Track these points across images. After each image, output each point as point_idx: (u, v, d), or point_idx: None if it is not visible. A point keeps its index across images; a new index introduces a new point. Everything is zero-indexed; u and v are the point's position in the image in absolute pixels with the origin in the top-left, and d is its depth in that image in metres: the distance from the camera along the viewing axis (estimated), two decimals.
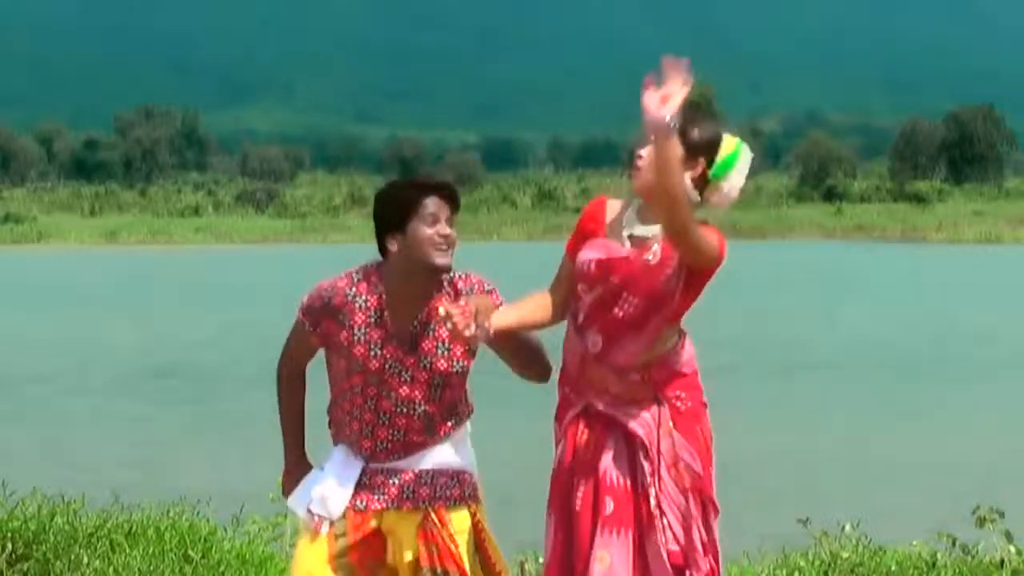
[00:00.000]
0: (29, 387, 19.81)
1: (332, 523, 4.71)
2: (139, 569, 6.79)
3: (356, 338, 4.67)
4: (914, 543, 7.45)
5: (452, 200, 4.66)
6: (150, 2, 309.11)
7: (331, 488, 4.72)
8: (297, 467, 4.90)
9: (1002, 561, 7.21)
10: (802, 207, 75.97)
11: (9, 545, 6.91)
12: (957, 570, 7.13)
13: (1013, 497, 9.26)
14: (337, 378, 4.77)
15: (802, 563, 7.19)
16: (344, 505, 4.70)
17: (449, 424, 4.77)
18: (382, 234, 4.66)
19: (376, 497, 4.72)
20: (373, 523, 4.73)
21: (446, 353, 4.68)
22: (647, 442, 4.61)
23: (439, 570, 4.67)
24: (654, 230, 4.62)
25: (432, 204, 4.62)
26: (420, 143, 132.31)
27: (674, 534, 4.60)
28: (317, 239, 64.72)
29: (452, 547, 4.68)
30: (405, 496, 4.71)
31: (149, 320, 28.56)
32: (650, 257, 4.61)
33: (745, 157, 4.77)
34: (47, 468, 12.57)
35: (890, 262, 46.87)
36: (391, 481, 4.73)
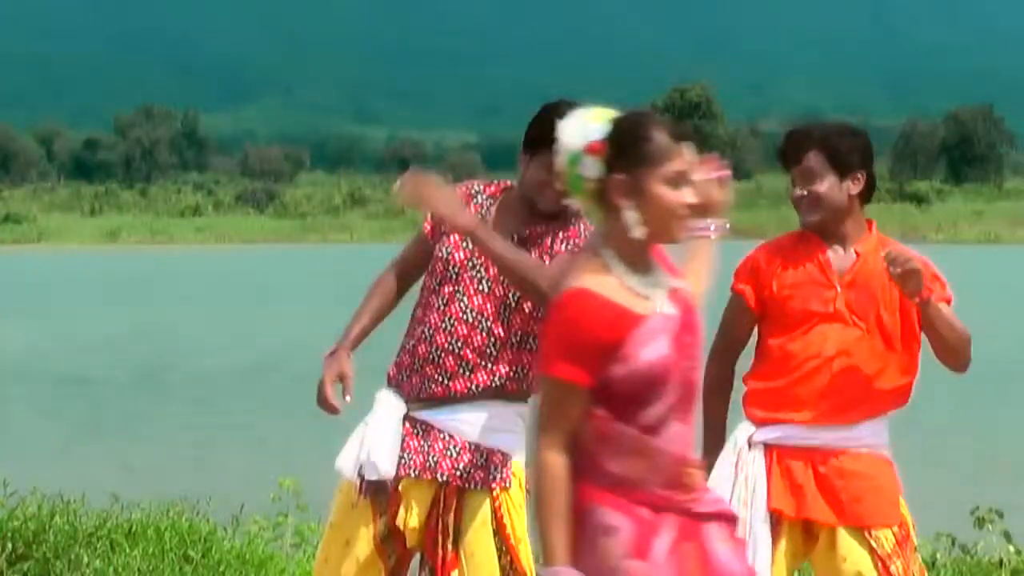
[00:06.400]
0: (27, 387, 19.83)
1: (375, 493, 4.53)
2: (139, 569, 6.79)
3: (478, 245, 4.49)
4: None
5: None
6: (150, 2, 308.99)
7: (378, 446, 4.48)
8: (340, 349, 4.57)
9: (1001, 561, 7.21)
10: None
11: (9, 545, 6.91)
12: (957, 570, 7.14)
13: (1012, 497, 9.26)
14: (425, 294, 4.59)
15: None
16: (394, 462, 4.49)
17: (507, 374, 4.51)
18: (526, 144, 4.47)
19: (403, 463, 4.54)
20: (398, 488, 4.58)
21: None
22: None
23: (438, 552, 4.52)
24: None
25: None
26: (420, 143, 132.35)
27: None
28: (317, 239, 64.77)
29: (450, 534, 4.51)
30: (428, 467, 4.52)
31: (148, 320, 28.55)
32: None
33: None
34: (47, 468, 12.57)
35: None
36: (422, 446, 4.53)
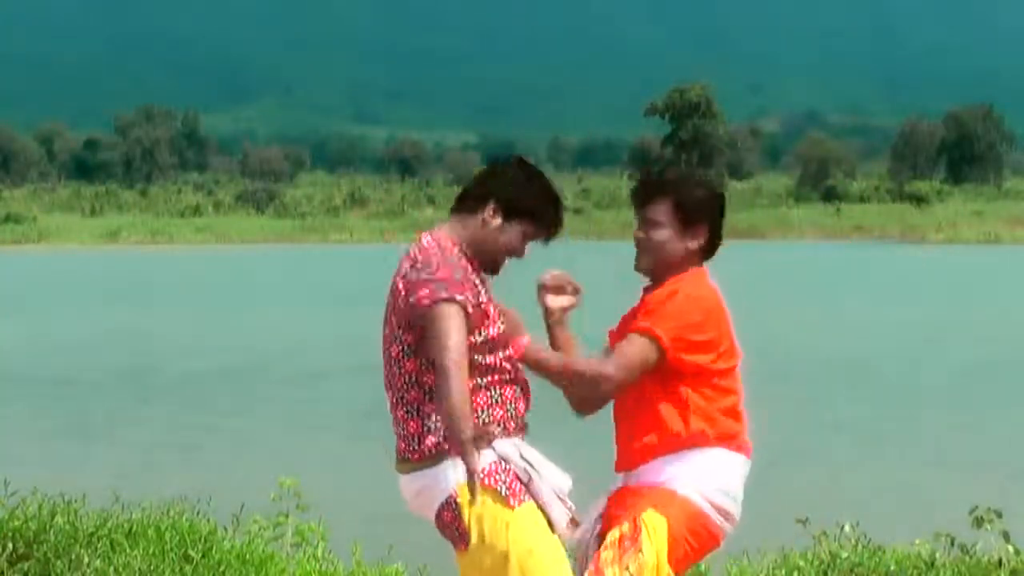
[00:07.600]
0: (28, 387, 19.84)
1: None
2: (139, 569, 6.80)
3: (493, 306, 4.70)
4: (916, 542, 7.45)
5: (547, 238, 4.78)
6: (150, 2, 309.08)
7: (553, 484, 4.74)
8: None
9: (1000, 561, 7.22)
10: (801, 207, 75.81)
11: (10, 545, 6.92)
12: (956, 570, 7.14)
13: (1012, 497, 9.27)
14: (498, 361, 4.69)
15: (801, 563, 7.20)
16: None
17: None
18: (488, 196, 4.65)
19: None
20: None
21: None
22: None
23: None
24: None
25: (538, 233, 4.71)
26: (420, 143, 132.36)
27: None
28: (317, 239, 64.83)
29: None
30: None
31: (147, 320, 28.57)
32: None
33: None
34: (48, 468, 12.58)
35: (889, 262, 46.86)
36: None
